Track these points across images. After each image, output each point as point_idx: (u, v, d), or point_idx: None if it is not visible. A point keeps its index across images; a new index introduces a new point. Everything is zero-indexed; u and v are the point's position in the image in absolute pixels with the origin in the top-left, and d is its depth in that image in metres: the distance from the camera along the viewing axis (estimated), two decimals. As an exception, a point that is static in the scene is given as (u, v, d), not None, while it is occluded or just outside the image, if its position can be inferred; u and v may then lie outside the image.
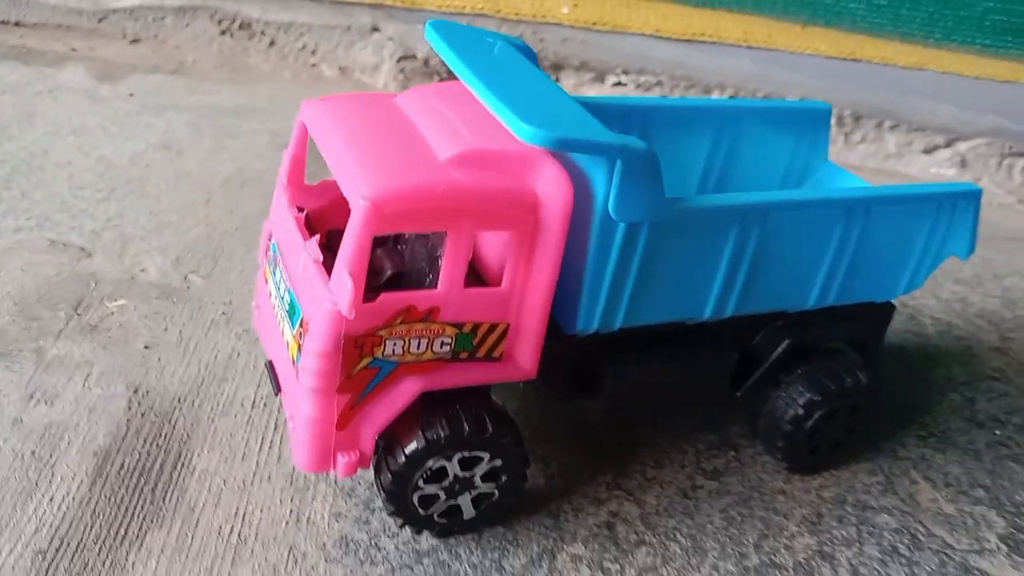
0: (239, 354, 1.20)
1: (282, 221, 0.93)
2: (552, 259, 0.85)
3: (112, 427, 1.05)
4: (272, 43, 2.21)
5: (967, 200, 1.07)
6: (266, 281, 0.99)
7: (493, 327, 0.87)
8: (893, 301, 1.16)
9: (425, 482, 0.90)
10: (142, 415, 1.07)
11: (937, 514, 1.13)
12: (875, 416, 1.16)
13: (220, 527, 0.94)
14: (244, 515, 0.96)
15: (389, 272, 0.90)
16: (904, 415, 1.30)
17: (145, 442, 1.03)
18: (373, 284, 0.83)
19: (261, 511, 0.97)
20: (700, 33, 2.24)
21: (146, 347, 1.19)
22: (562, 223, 0.83)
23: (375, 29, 2.20)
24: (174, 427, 1.06)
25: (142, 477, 0.99)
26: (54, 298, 1.25)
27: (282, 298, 0.91)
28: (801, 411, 1.08)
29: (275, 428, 1.08)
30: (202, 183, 1.63)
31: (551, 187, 0.82)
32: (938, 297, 1.67)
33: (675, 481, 1.11)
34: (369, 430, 0.87)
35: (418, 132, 0.86)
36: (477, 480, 0.93)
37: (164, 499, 0.96)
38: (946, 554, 1.07)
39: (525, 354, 0.90)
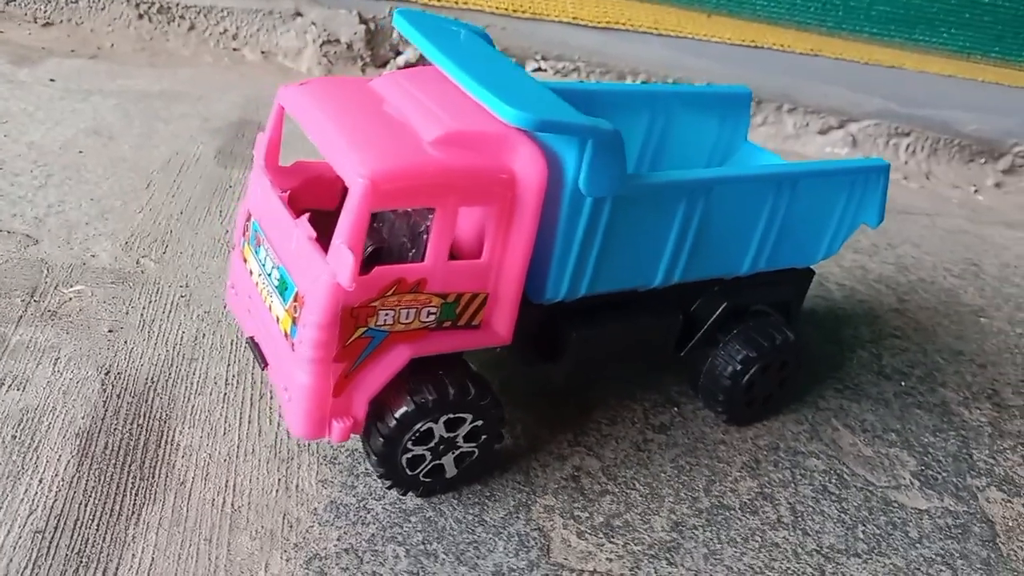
0: (204, 335, 1.23)
1: (264, 202, 0.97)
2: (527, 232, 0.92)
3: (89, 409, 1.06)
4: (192, 27, 2.19)
5: (877, 174, 1.20)
6: (245, 260, 1.02)
7: (474, 296, 0.94)
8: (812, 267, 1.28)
9: (413, 444, 0.96)
10: (118, 396, 1.09)
11: (858, 456, 1.26)
12: (800, 370, 1.29)
13: (213, 499, 0.98)
14: (234, 486, 1.00)
15: (370, 248, 0.95)
16: (821, 371, 1.43)
17: (125, 422, 1.05)
18: None
19: (250, 482, 1.01)
20: (614, 21, 2.34)
21: (110, 331, 1.20)
22: (537, 198, 0.90)
23: (298, 14, 2.21)
24: (151, 406, 1.09)
25: (128, 455, 1.01)
26: (7, 285, 1.24)
27: (269, 275, 0.95)
28: (739, 367, 1.19)
29: (251, 404, 1.12)
30: (139, 168, 1.62)
31: (527, 165, 0.89)
32: (841, 265, 1.83)
33: (628, 436, 1.20)
34: (362, 396, 0.92)
35: (400, 115, 0.91)
36: (460, 440, 1.00)
37: (153, 475, 0.99)
38: (868, 491, 1.20)
39: (501, 321, 0.97)
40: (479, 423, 0.99)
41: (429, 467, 1.00)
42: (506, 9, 2.27)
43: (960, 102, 2.44)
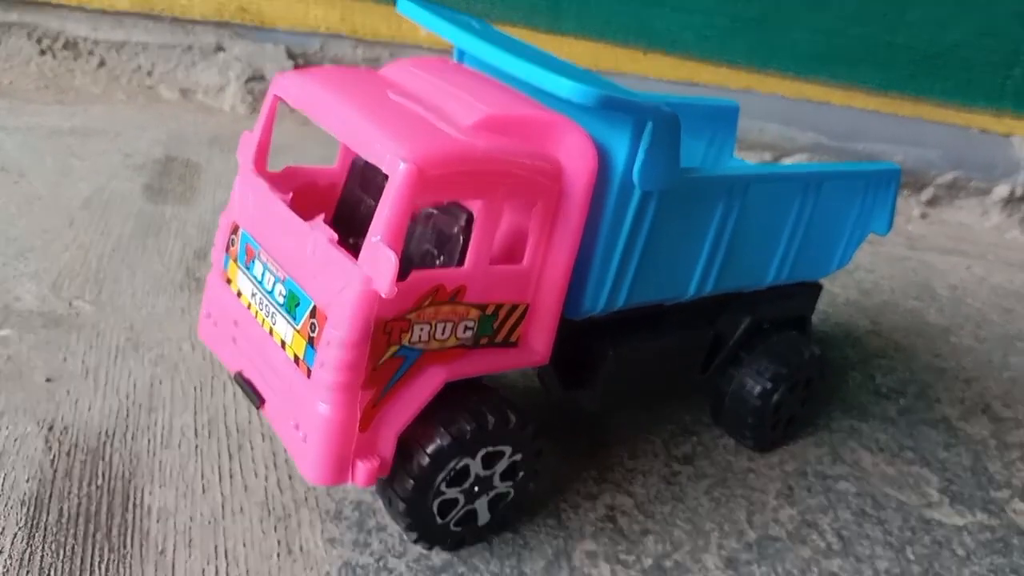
0: (160, 381, 1.05)
1: (260, 210, 0.82)
2: (573, 232, 0.81)
3: (34, 470, 0.87)
4: (102, 63, 2.00)
5: (890, 178, 1.15)
6: (228, 282, 0.87)
7: (513, 308, 0.82)
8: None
9: (447, 485, 0.82)
10: (67, 454, 0.90)
11: (883, 476, 1.19)
12: (820, 388, 1.21)
13: (203, 569, 0.80)
14: (225, 552, 0.82)
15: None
16: (823, 393, 1.36)
17: (80, 483, 0.86)
18: None
19: (244, 546, 0.84)
20: (551, 57, 2.29)
21: (48, 380, 1.00)
22: (586, 193, 0.80)
23: (219, 48, 2.06)
24: (110, 464, 0.90)
25: (90, 523, 0.82)
26: (-89, 334, 1.03)
27: (270, 292, 0.80)
28: (769, 384, 1.10)
29: (230, 456, 0.95)
30: (59, 206, 1.42)
31: (575, 154, 0.79)
32: (807, 292, 1.80)
33: (654, 469, 1.09)
34: (391, 430, 0.78)
35: (427, 100, 0.79)
36: (496, 479, 0.86)
37: (124, 544, 0.81)
38: (905, 510, 1.12)
39: (539, 338, 0.85)
40: (518, 457, 0.86)
41: (461, 513, 0.85)
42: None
43: (884, 135, 2.50)
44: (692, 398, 1.22)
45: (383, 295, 0.70)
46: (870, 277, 1.95)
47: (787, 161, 2.46)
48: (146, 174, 1.61)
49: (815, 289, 1.22)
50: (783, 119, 2.42)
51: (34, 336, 1.08)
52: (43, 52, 1.96)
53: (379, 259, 0.69)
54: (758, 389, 1.10)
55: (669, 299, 0.99)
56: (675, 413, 1.21)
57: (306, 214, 0.86)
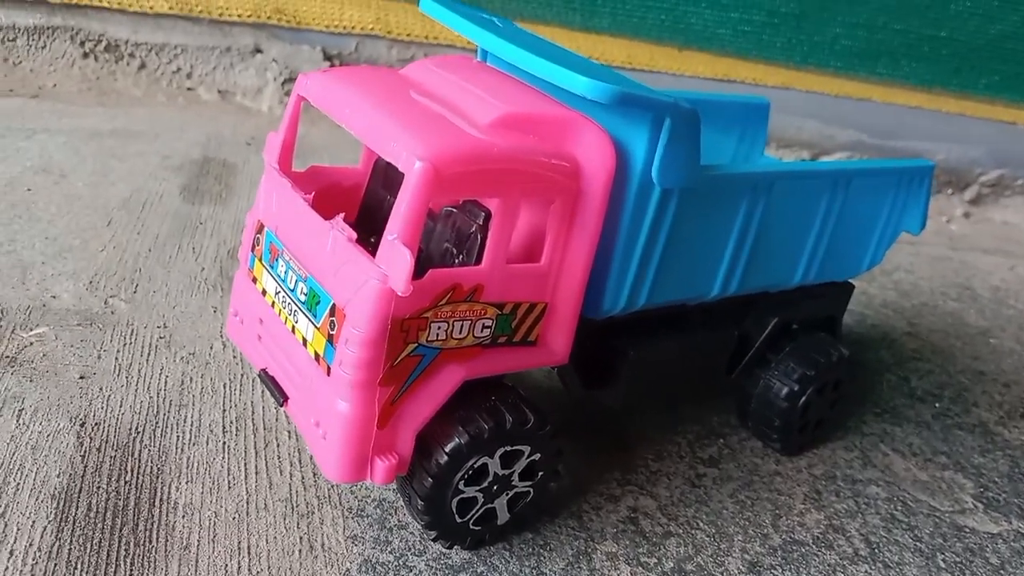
0: (191, 378, 1.07)
1: (284, 208, 0.83)
2: (592, 231, 0.81)
3: (65, 465, 0.89)
4: (143, 65, 2.04)
5: (923, 175, 1.13)
6: (254, 280, 0.88)
7: (532, 307, 0.82)
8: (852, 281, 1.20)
9: (465, 484, 0.82)
10: (98, 449, 0.92)
11: (915, 481, 1.16)
12: (850, 390, 1.19)
13: (226, 564, 0.81)
14: (248, 548, 0.84)
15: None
16: (855, 395, 1.34)
17: (110, 479, 0.88)
18: None
19: (267, 542, 0.85)
20: (588, 56, 2.29)
21: (81, 377, 1.03)
22: (604, 189, 0.79)
23: (257, 50, 2.09)
24: (139, 460, 0.92)
25: (117, 517, 0.84)
26: (-47, 331, 1.06)
27: (293, 291, 0.81)
28: (796, 386, 1.09)
29: (256, 453, 0.96)
30: (97, 206, 1.45)
31: (593, 152, 0.79)
32: (843, 292, 1.77)
33: (679, 472, 1.08)
34: (408, 428, 0.78)
35: (445, 99, 0.80)
36: (515, 478, 0.86)
37: (150, 539, 0.82)
38: (936, 517, 1.10)
39: (558, 337, 0.85)
40: (537, 456, 0.86)
41: (480, 512, 0.86)
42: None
43: (927, 133, 2.45)
44: (719, 400, 1.21)
45: (399, 293, 0.70)
46: (909, 278, 1.91)
47: (827, 159, 2.42)
48: (183, 175, 1.64)
49: (846, 289, 1.20)
50: (822, 117, 2.38)
51: (70, 334, 1.10)
52: (86, 55, 2.01)
53: (395, 257, 0.70)
54: (785, 391, 1.09)
55: (692, 299, 0.98)
56: (702, 415, 1.20)
57: (330, 214, 0.87)
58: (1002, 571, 1.03)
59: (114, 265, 1.28)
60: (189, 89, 2.08)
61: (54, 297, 1.18)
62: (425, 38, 2.12)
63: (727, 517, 1.02)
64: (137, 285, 1.24)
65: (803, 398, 1.09)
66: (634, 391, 0.97)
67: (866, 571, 0.98)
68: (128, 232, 1.39)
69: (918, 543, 1.05)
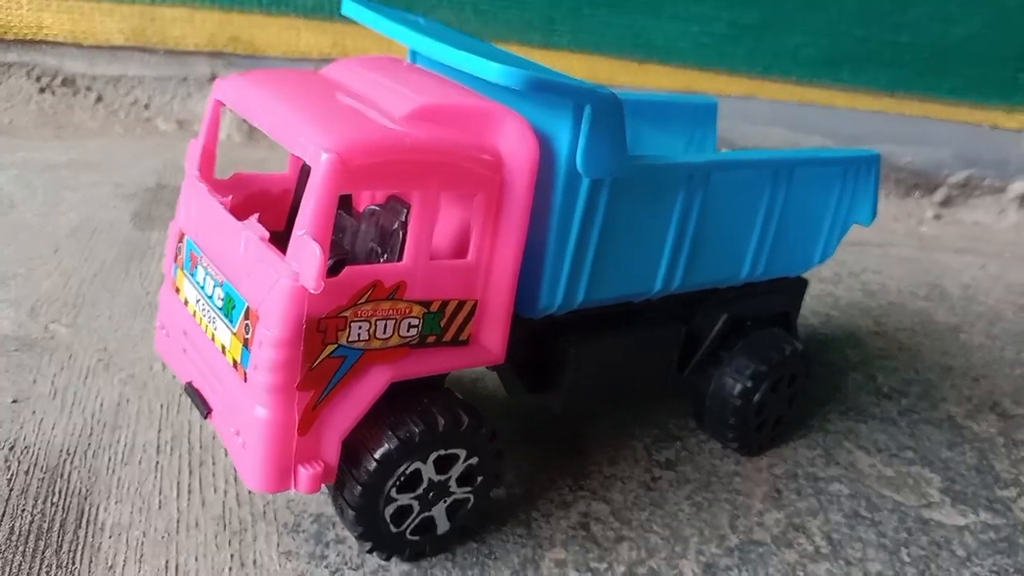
0: (128, 400, 1.04)
1: (201, 214, 0.81)
2: (519, 223, 0.79)
3: (-12, 490, 0.86)
4: (100, 98, 2.03)
5: (869, 164, 1.12)
6: (177, 291, 0.86)
7: (461, 305, 0.79)
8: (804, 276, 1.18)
9: (398, 491, 0.79)
10: (25, 472, 0.89)
11: (880, 477, 1.14)
12: (808, 385, 1.17)
13: (150, 583, 0.78)
14: (177, 567, 0.80)
15: (331, 260, 0.80)
16: (820, 394, 1.32)
17: (36, 501, 0.85)
18: None
19: (196, 560, 0.82)
20: (547, 73, 2.28)
21: (14, 401, 1.00)
22: (529, 181, 0.78)
23: (214, 78, 2.08)
24: (68, 482, 0.89)
25: (40, 539, 0.81)
26: None
27: (211, 297, 0.79)
28: (749, 383, 1.06)
29: (190, 471, 0.93)
30: (45, 235, 1.43)
31: (516, 143, 0.77)
32: (809, 294, 1.74)
33: (634, 476, 1.05)
34: (334, 433, 0.75)
35: (362, 94, 0.78)
36: (452, 484, 0.83)
37: (74, 560, 0.79)
38: (902, 512, 1.07)
39: (492, 336, 0.83)
40: (474, 460, 0.83)
41: (417, 521, 0.83)
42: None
43: (893, 136, 2.45)
44: (677, 402, 1.19)
45: (311, 290, 0.68)
46: (876, 279, 1.90)
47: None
48: (136, 202, 1.62)
49: (799, 285, 1.18)
50: (788, 124, 2.38)
51: (6, 359, 1.08)
52: (42, 90, 2.00)
53: (305, 253, 0.68)
54: (738, 388, 1.06)
55: (634, 296, 0.96)
56: (659, 417, 1.17)
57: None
58: (968, 563, 1.00)
59: (58, 291, 1.26)
60: (147, 120, 2.07)
61: (-8, 324, 1.15)
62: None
63: (683, 519, 0.99)
64: (80, 310, 1.22)
65: (757, 395, 1.07)
66: (578, 391, 0.95)
67: (827, 569, 0.95)
68: (75, 259, 1.36)
69: (882, 538, 1.02)
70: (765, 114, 2.37)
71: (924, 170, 2.47)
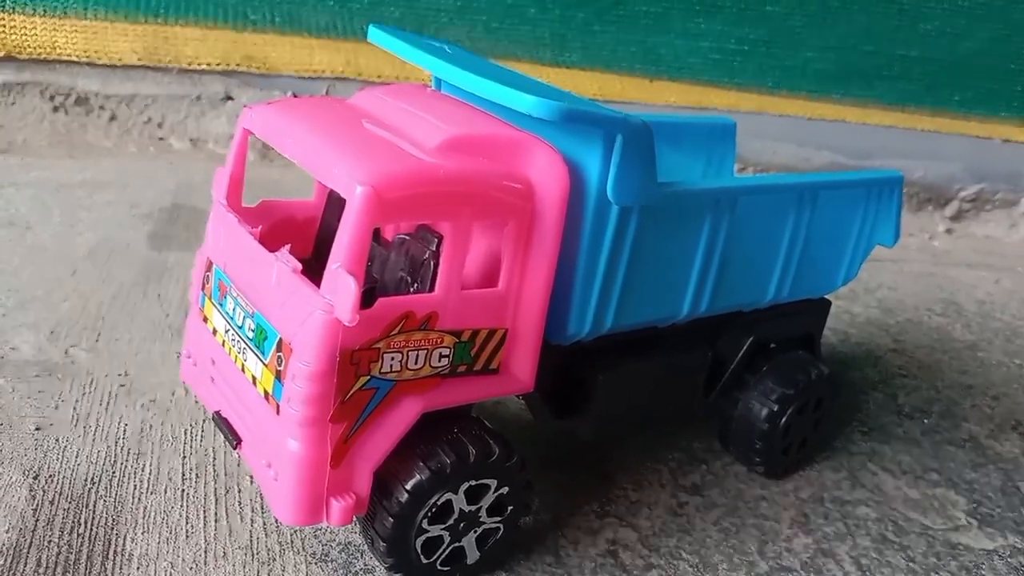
0: (151, 426, 1.03)
1: (230, 244, 0.81)
2: (550, 252, 0.78)
3: (15, 520, 0.85)
4: (113, 117, 2.03)
5: (892, 186, 1.11)
6: (205, 320, 0.85)
7: (491, 334, 0.79)
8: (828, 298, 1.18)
9: (430, 522, 0.79)
10: (51, 502, 0.88)
11: (906, 500, 1.13)
12: (833, 408, 1.16)
13: (180, 616, 0.78)
14: (205, 598, 0.80)
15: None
16: (841, 414, 1.31)
17: (62, 532, 0.85)
18: None
19: (225, 592, 0.81)
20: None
21: (37, 428, 0.99)
22: (559, 210, 0.77)
23: (228, 97, 2.08)
24: (93, 511, 0.88)
25: (68, 572, 0.80)
26: (-95, 387, 1.03)
27: (241, 327, 0.78)
28: (776, 407, 1.06)
29: (216, 499, 0.93)
30: (63, 256, 1.43)
31: (546, 172, 0.77)
32: (827, 312, 1.74)
33: (660, 501, 1.05)
34: (366, 465, 0.75)
35: (392, 125, 0.78)
36: (483, 514, 0.82)
37: (101, 594, 0.79)
38: (929, 535, 1.06)
39: (522, 364, 0.82)
40: (504, 490, 0.83)
41: (447, 552, 0.82)
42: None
43: (903, 151, 2.44)
44: (702, 425, 1.18)
45: (346, 323, 0.68)
46: (893, 295, 1.89)
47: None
48: (152, 222, 1.62)
49: (822, 306, 1.18)
50: (797, 139, 2.38)
51: (27, 385, 1.07)
52: (56, 109, 2.00)
53: (340, 286, 0.67)
54: (765, 412, 1.06)
55: (661, 321, 0.95)
56: (683, 441, 1.17)
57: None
58: (999, 589, 0.99)
59: (77, 315, 1.26)
60: (160, 139, 2.07)
61: (13, 349, 1.15)
62: (396, 78, 2.12)
63: (711, 546, 0.98)
64: (99, 334, 1.21)
65: (784, 418, 1.06)
66: (606, 418, 0.94)
67: (857, 595, 0.95)
68: (93, 281, 1.36)
69: (911, 563, 1.01)
70: (775, 129, 2.36)
71: (935, 184, 2.47)
